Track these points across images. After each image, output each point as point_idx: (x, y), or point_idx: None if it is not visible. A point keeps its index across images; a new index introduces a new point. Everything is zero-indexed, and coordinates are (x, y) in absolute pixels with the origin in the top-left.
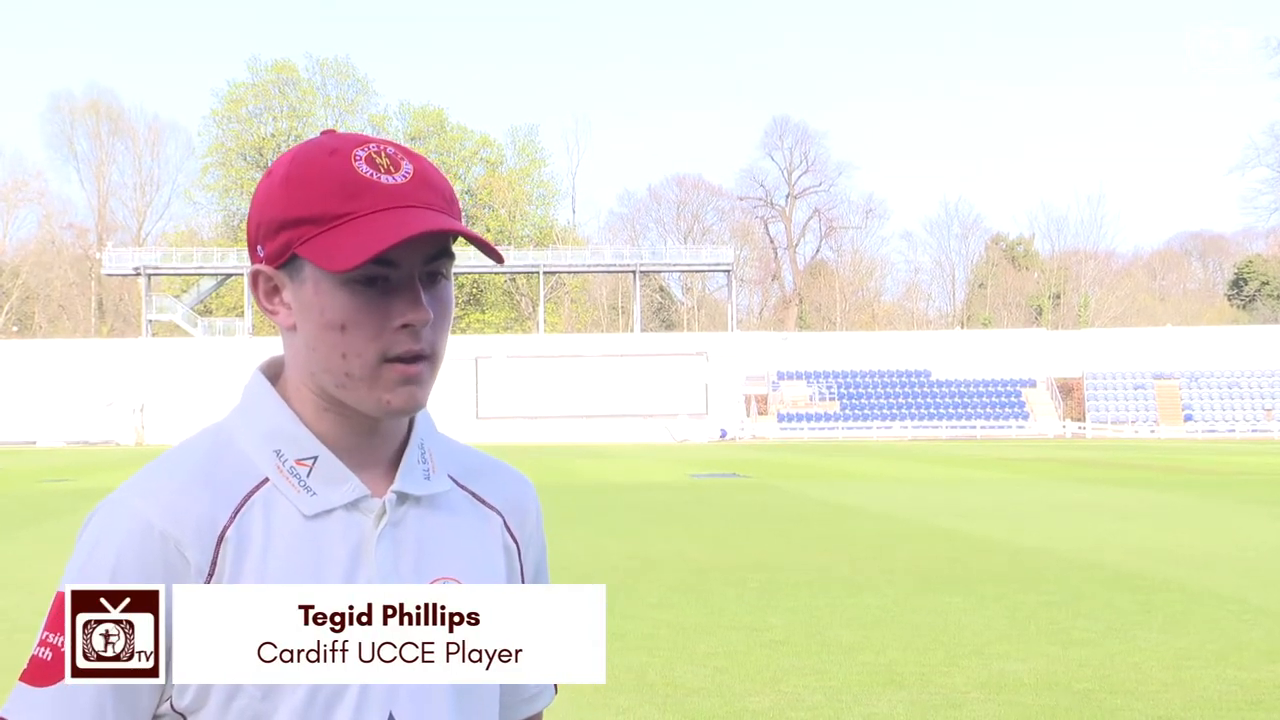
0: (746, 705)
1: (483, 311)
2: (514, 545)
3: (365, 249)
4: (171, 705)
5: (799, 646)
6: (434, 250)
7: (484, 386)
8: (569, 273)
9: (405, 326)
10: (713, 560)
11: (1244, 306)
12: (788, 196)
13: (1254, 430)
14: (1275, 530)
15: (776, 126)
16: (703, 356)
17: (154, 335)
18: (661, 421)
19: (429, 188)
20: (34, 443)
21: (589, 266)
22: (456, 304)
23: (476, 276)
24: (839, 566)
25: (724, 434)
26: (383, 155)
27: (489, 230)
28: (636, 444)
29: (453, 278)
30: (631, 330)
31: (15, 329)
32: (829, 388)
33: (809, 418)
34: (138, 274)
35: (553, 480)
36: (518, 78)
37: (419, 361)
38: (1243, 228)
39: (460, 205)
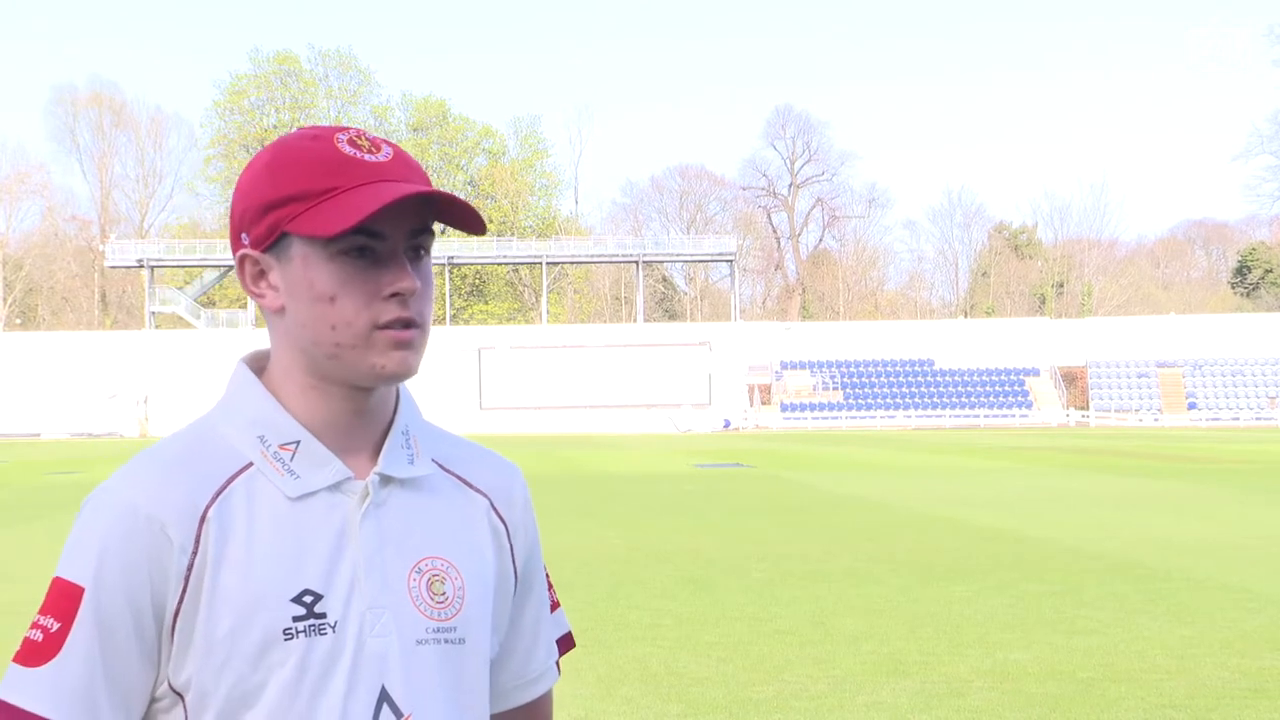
0: (750, 695)
1: (486, 302)
2: (502, 526)
3: (357, 213)
4: (170, 685)
5: (803, 636)
6: (417, 225)
7: (487, 377)
8: (572, 263)
9: (394, 295)
10: (716, 550)
11: (1247, 294)
12: (790, 186)
13: (1258, 418)
14: (1279, 518)
15: (779, 116)
16: (706, 346)
17: (157, 327)
18: (665, 412)
19: (409, 167)
20: (38, 435)
21: (592, 257)
22: (460, 295)
23: (479, 267)
24: (842, 556)
25: (727, 424)
26: (363, 138)
27: (491, 221)
28: (640, 434)
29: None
30: (634, 320)
31: (19, 321)
32: (832, 377)
33: (812, 407)
34: (141, 266)
35: (556, 471)
36: (520, 69)
37: (410, 328)
38: (1246, 215)
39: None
